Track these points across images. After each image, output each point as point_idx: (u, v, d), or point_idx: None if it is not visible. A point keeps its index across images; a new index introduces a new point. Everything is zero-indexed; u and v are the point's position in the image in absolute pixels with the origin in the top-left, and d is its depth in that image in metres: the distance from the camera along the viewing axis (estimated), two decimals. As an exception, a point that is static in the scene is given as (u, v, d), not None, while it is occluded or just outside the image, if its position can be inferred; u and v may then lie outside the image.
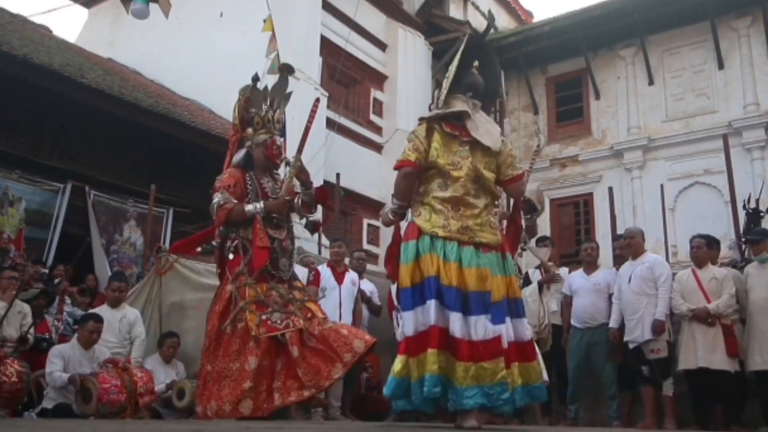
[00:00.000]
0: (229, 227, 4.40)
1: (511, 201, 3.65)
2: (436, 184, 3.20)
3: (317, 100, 4.59)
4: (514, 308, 3.18)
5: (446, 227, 3.11)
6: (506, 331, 3.05)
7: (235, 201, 4.30)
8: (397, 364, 3.08)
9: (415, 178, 3.26)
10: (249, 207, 4.29)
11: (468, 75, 3.37)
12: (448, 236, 3.10)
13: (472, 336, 2.99)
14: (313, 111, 4.45)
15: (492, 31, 14.17)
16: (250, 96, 4.56)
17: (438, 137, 3.21)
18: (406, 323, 3.09)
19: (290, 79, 4.78)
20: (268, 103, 4.56)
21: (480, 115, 3.32)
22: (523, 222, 3.68)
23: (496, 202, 3.44)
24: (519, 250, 5.21)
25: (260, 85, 4.65)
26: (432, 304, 3.00)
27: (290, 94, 4.74)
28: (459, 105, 3.29)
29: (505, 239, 3.33)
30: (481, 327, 2.99)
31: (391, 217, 3.41)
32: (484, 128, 3.26)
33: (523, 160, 13.92)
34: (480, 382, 2.93)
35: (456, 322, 2.98)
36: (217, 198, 4.33)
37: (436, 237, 3.10)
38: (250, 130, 4.54)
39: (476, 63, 3.40)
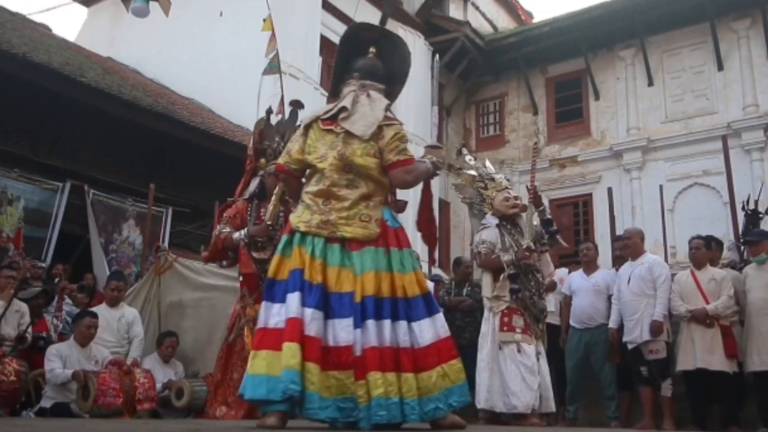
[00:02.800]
0: (228, 251, 4.82)
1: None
2: (314, 180, 3.09)
3: (299, 127, 4.80)
4: (395, 309, 2.83)
5: (308, 222, 2.97)
6: (361, 337, 2.75)
7: (230, 230, 4.73)
8: (259, 361, 2.79)
9: (292, 180, 3.22)
10: (236, 234, 4.68)
11: (358, 60, 3.27)
12: (309, 231, 2.95)
13: (329, 341, 2.78)
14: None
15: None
16: (264, 129, 5.00)
17: (313, 134, 3.15)
18: (261, 313, 2.94)
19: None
20: (279, 136, 4.96)
21: (364, 98, 3.14)
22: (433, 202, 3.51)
23: (393, 190, 3.20)
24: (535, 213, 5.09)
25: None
26: (294, 297, 2.82)
27: (299, 126, 4.93)
28: (347, 90, 3.20)
29: (387, 231, 2.99)
30: (339, 332, 2.79)
31: None
32: (360, 113, 3.08)
33: (522, 160, 14.02)
34: (332, 395, 2.69)
35: (314, 321, 2.77)
36: (217, 229, 4.85)
37: (301, 232, 2.97)
38: (263, 161, 4.93)
39: (372, 49, 3.30)
